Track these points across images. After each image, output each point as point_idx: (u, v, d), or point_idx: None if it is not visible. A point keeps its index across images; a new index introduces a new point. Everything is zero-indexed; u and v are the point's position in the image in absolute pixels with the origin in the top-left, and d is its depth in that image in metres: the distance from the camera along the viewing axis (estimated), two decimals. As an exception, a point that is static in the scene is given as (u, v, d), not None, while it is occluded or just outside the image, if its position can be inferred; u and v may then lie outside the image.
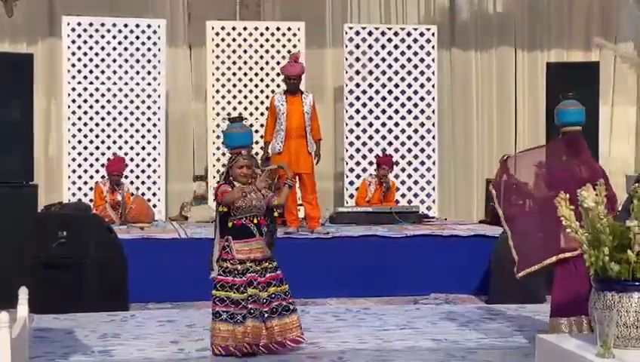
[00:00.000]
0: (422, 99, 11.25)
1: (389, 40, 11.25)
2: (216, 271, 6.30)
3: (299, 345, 6.34)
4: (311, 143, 9.41)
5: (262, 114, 11.14)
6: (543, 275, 8.54)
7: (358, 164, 11.15)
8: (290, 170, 6.90)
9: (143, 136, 10.87)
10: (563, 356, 3.85)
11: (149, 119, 10.87)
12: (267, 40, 11.21)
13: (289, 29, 11.26)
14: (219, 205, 6.38)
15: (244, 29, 11.23)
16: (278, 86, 11.14)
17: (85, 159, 10.73)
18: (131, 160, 10.61)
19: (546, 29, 12.69)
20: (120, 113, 10.82)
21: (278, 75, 11.13)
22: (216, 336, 6.19)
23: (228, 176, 6.35)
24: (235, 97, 11.15)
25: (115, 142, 10.78)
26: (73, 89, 10.72)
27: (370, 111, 11.21)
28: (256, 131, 10.98)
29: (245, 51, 11.18)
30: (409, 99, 11.24)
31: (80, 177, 10.71)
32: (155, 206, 10.70)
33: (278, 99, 9.38)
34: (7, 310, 3.78)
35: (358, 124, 11.17)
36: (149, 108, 10.88)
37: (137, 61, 10.87)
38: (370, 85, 11.22)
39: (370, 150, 11.15)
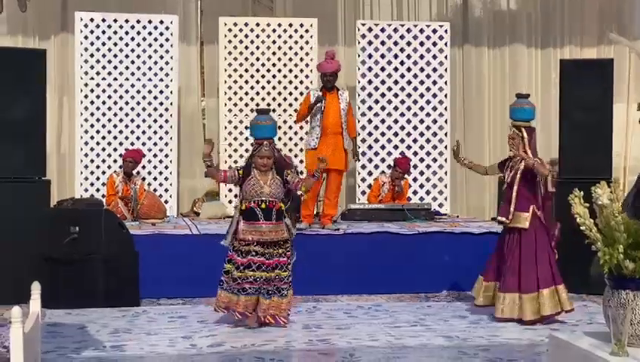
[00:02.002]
0: (434, 96, 11.23)
1: (402, 37, 11.23)
2: (228, 241, 6.96)
3: (277, 325, 6.95)
4: (347, 140, 9.44)
5: (274, 110, 11.13)
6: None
7: (370, 161, 11.14)
8: (325, 164, 7.28)
9: (155, 132, 10.88)
10: (576, 354, 3.83)
11: (161, 115, 10.88)
12: (279, 36, 11.20)
13: (301, 25, 11.25)
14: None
15: (257, 25, 11.23)
16: (290, 82, 11.14)
17: (97, 155, 10.75)
18: (143, 156, 10.61)
19: (559, 25, 12.65)
20: (132, 109, 10.84)
21: (290, 71, 11.14)
22: (218, 300, 7.01)
23: (250, 163, 6.95)
24: (247, 93, 11.14)
25: (127, 138, 10.80)
26: (85, 85, 10.74)
27: (383, 108, 11.19)
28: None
29: (257, 47, 11.17)
30: (421, 96, 11.22)
31: (92, 173, 10.73)
32: (166, 202, 10.71)
33: (314, 96, 9.39)
34: (20, 305, 3.77)
35: (370, 121, 11.16)
36: (161, 104, 10.89)
37: (150, 57, 10.88)
38: (383, 82, 11.20)
39: (383, 147, 11.13)
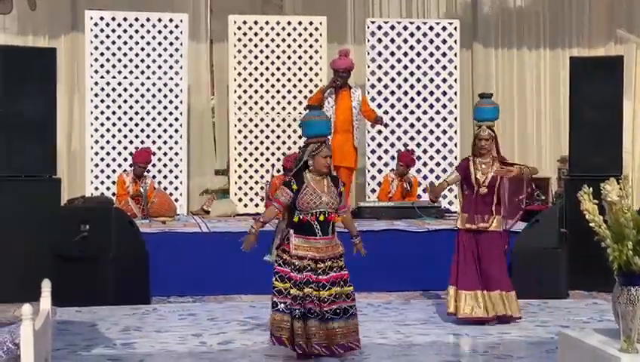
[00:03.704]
0: (444, 93, 11.22)
1: (411, 34, 11.22)
2: (274, 256, 6.01)
3: (352, 352, 6.00)
4: (357, 138, 9.46)
5: (283, 108, 11.15)
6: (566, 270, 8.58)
7: (380, 158, 11.14)
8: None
9: (164, 131, 10.90)
10: (586, 351, 3.83)
11: (170, 113, 10.90)
12: (289, 34, 11.21)
13: (311, 23, 11.25)
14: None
15: (266, 23, 11.23)
16: (300, 80, 11.14)
17: (108, 153, 10.77)
18: (153, 154, 10.63)
19: (568, 23, 12.63)
20: (142, 107, 10.86)
21: (300, 69, 11.14)
22: (273, 326, 5.92)
23: (307, 166, 5.98)
24: (256, 92, 11.15)
25: (137, 136, 10.82)
26: (96, 83, 10.76)
27: (392, 106, 11.18)
28: (278, 125, 11.05)
29: (267, 46, 11.17)
30: (431, 93, 11.21)
31: (102, 171, 10.76)
32: (176, 200, 10.73)
33: (327, 92, 9.40)
34: (30, 303, 3.79)
35: (379, 119, 11.15)
36: (170, 102, 10.91)
37: (159, 55, 10.90)
38: (392, 80, 11.19)
39: (392, 144, 11.12)
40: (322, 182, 5.99)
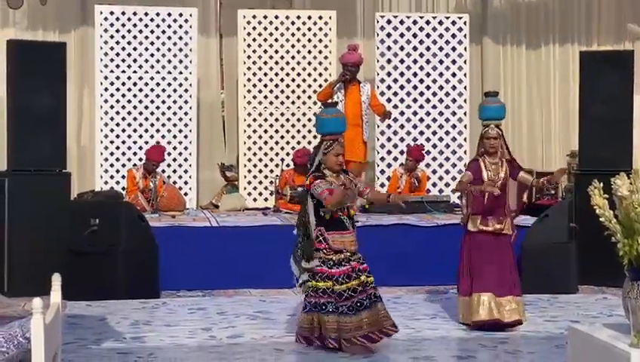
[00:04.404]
0: (453, 88, 11.20)
1: (421, 29, 11.20)
2: (315, 262, 5.94)
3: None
4: (366, 132, 9.46)
5: (293, 103, 11.14)
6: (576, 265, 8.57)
7: (389, 153, 11.12)
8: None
9: (174, 125, 10.91)
10: (596, 346, 3.82)
11: (180, 108, 10.91)
12: (298, 29, 11.20)
13: (320, 17, 11.24)
14: (312, 197, 5.99)
15: (276, 17, 11.22)
16: (309, 75, 11.13)
17: (117, 147, 10.78)
18: (168, 154, 10.64)
19: (577, 17, 12.60)
20: (152, 102, 10.87)
21: (309, 63, 11.14)
22: (327, 329, 5.88)
23: (319, 165, 6.02)
24: (266, 86, 11.15)
25: (146, 131, 10.83)
26: (105, 77, 10.78)
27: (401, 101, 11.17)
28: (287, 120, 11.06)
29: (276, 40, 11.17)
30: (440, 88, 11.19)
31: (112, 165, 10.78)
32: (186, 194, 10.74)
33: (336, 87, 9.41)
34: (41, 296, 3.80)
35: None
36: (180, 96, 10.92)
37: (169, 50, 10.91)
38: (402, 74, 11.17)
39: (402, 139, 11.11)
40: (340, 178, 6.04)
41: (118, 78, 10.80)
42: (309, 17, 11.25)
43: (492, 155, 6.93)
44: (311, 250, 5.95)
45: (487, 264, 6.81)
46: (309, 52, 11.15)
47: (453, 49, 11.21)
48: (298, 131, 11.12)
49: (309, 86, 11.15)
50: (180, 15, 10.96)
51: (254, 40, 11.15)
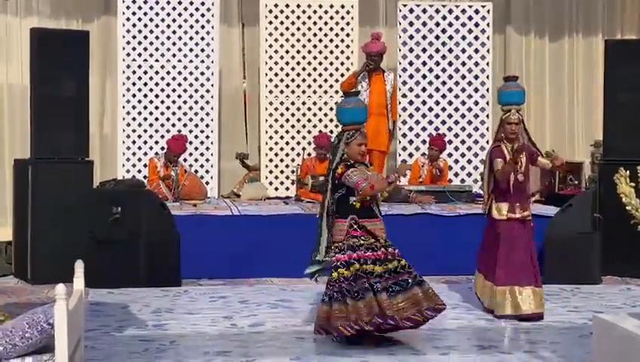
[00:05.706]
0: (476, 77, 11.14)
1: (444, 17, 11.14)
2: (331, 254, 5.90)
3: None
4: (390, 121, 9.44)
5: (314, 92, 11.12)
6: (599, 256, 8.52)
7: (411, 142, 11.08)
8: (402, 173, 6.87)
9: (195, 114, 10.91)
10: (620, 335, 3.80)
11: (202, 97, 10.91)
12: (320, 17, 11.16)
13: (342, 6, 11.19)
14: (339, 187, 5.97)
15: (298, 6, 11.19)
16: (331, 64, 11.10)
17: (139, 136, 10.80)
18: (190, 143, 10.65)
19: (601, 7, 12.51)
20: (173, 90, 10.87)
21: (331, 52, 11.10)
22: (350, 319, 5.79)
23: (342, 155, 5.98)
24: (287, 75, 11.12)
25: (168, 120, 10.84)
26: (128, 66, 10.79)
27: (424, 90, 11.12)
28: (309, 109, 11.04)
29: (298, 29, 11.14)
30: (463, 77, 11.13)
31: (134, 154, 10.79)
32: (207, 183, 10.75)
33: (360, 76, 9.39)
34: (64, 283, 3.81)
35: (411, 102, 11.08)
36: (202, 85, 10.91)
37: (191, 39, 10.90)
38: (424, 63, 11.12)
39: (424, 128, 11.06)
40: (363, 166, 6.05)
41: (140, 66, 10.81)
42: (331, 6, 11.21)
43: (512, 141, 6.88)
44: (330, 240, 5.94)
45: (513, 253, 6.77)
46: (331, 41, 11.11)
47: (476, 38, 11.14)
48: (320, 120, 11.10)
49: (331, 75, 11.12)
50: (202, 4, 10.94)
51: (276, 29, 11.13)
